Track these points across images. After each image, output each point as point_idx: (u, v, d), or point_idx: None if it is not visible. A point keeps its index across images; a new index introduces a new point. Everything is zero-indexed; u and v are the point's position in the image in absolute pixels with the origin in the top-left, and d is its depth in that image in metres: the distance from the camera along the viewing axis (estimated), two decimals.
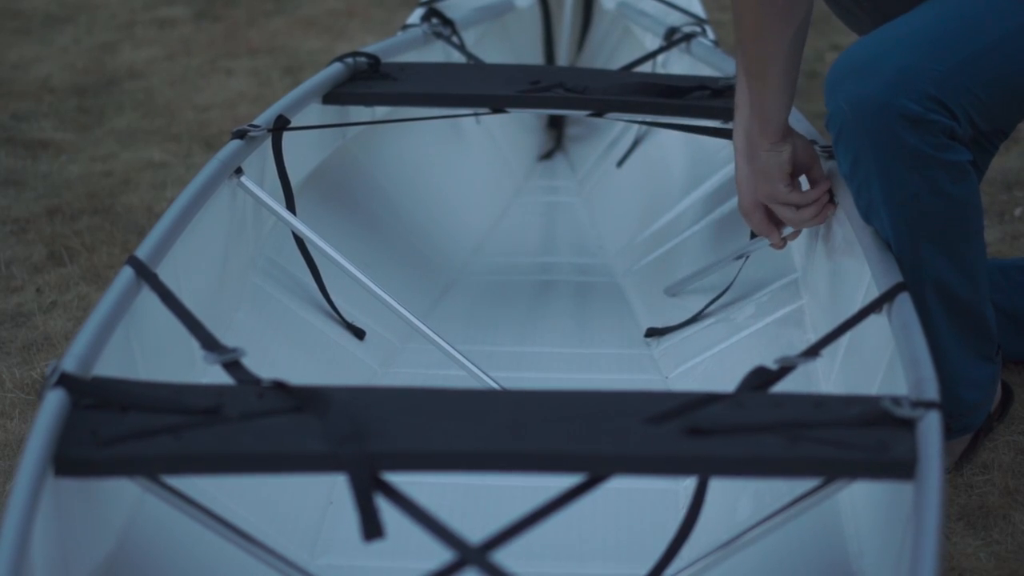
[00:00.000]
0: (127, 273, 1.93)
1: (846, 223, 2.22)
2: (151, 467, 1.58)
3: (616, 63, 3.59)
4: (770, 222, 2.28)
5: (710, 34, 3.24)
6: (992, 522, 2.20)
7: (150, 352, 1.94)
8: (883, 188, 2.07)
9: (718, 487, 1.94)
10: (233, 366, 1.80)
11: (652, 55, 3.24)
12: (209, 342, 1.85)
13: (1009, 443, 2.39)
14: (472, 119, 3.41)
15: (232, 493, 1.95)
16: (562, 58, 3.89)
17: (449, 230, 3.15)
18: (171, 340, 1.97)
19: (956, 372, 2.18)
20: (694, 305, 2.68)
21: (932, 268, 2.11)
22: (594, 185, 3.45)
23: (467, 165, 3.38)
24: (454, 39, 3.28)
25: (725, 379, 2.19)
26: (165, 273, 1.99)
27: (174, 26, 5.15)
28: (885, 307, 1.94)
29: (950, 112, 2.03)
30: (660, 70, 3.24)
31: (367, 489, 1.52)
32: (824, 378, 2.20)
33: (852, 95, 2.04)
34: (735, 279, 2.62)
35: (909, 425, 1.61)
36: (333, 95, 2.74)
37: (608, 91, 2.73)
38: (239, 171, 2.37)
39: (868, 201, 2.10)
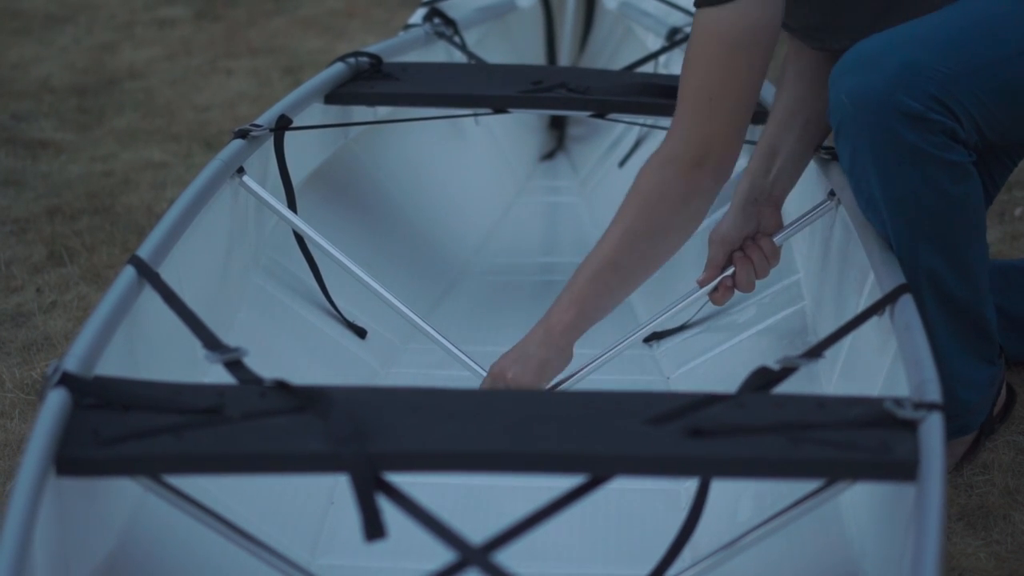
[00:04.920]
0: (129, 272, 1.93)
1: (848, 224, 2.22)
2: (153, 467, 1.58)
3: (618, 63, 3.59)
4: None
5: None
6: (992, 522, 2.20)
7: (152, 351, 1.94)
8: (881, 183, 2.07)
9: (720, 488, 1.94)
10: (235, 365, 1.80)
11: (654, 55, 3.24)
12: (211, 341, 1.85)
13: (1009, 443, 2.39)
14: (474, 119, 3.41)
15: (234, 493, 1.95)
16: (564, 58, 3.89)
17: (451, 230, 3.15)
18: (173, 339, 1.96)
19: (952, 371, 2.18)
20: (695, 306, 2.67)
21: (929, 266, 2.11)
22: (596, 185, 3.45)
23: (469, 165, 3.38)
24: (456, 39, 3.28)
25: (727, 380, 2.19)
26: (167, 272, 1.99)
27: (174, 26, 5.15)
28: (887, 308, 1.93)
29: (952, 114, 2.02)
30: (662, 70, 3.24)
31: (369, 489, 1.52)
32: (826, 379, 2.20)
33: (853, 88, 2.04)
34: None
35: (911, 427, 1.61)
36: (335, 95, 2.74)
37: (610, 92, 2.73)
38: (241, 170, 2.37)
39: (868, 196, 2.10)
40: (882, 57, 2.03)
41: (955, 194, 2.07)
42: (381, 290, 2.45)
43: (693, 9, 3.45)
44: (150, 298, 1.94)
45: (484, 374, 2.37)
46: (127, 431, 1.59)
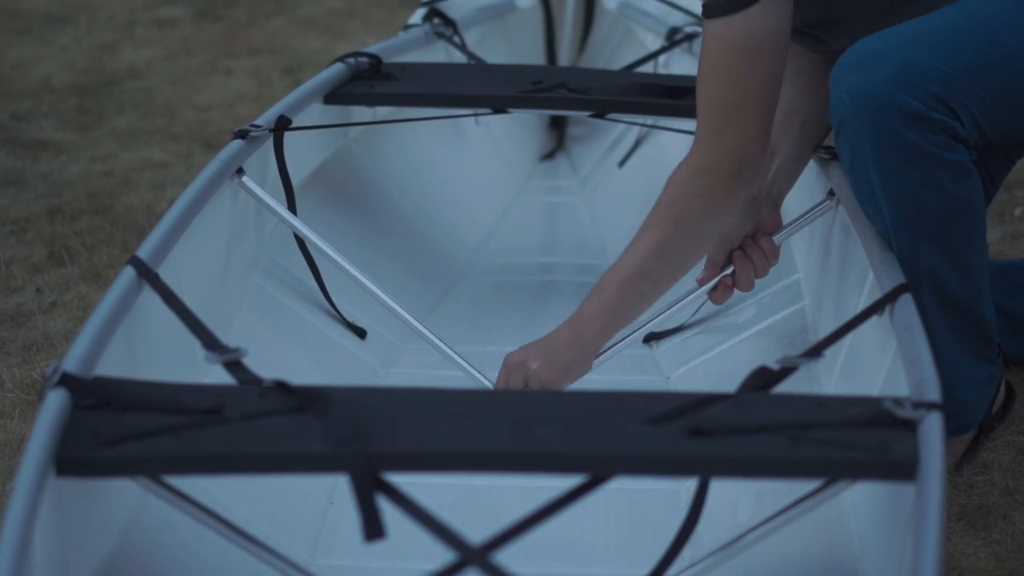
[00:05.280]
0: (128, 273, 1.93)
1: (848, 224, 2.22)
2: (152, 467, 1.58)
3: (618, 63, 3.59)
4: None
5: None
6: (992, 522, 2.20)
7: (151, 352, 1.94)
8: (882, 182, 2.07)
9: (719, 488, 1.94)
10: (234, 366, 1.80)
11: (654, 55, 3.24)
12: (210, 342, 1.85)
13: (1009, 443, 2.39)
14: (474, 119, 3.41)
15: (233, 493, 1.95)
16: (564, 58, 3.89)
17: (451, 230, 3.15)
18: (172, 340, 1.96)
19: (952, 371, 2.18)
20: (695, 305, 2.67)
21: (929, 265, 2.11)
22: (596, 185, 3.45)
23: (469, 165, 3.38)
24: (456, 39, 3.28)
25: (726, 379, 2.19)
26: (166, 273, 1.99)
27: (174, 26, 5.15)
28: (887, 308, 1.93)
29: (953, 113, 2.02)
30: (662, 70, 3.24)
31: (368, 489, 1.52)
32: (826, 379, 2.20)
33: (854, 87, 2.04)
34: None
35: (910, 426, 1.61)
36: (335, 95, 2.74)
37: (610, 92, 2.73)
38: (240, 171, 2.37)
39: (868, 195, 2.10)
40: (883, 56, 2.03)
41: (956, 193, 2.07)
42: (379, 292, 2.45)
43: (692, 9, 3.46)
44: (150, 298, 1.94)
45: (480, 376, 2.37)
46: (127, 432, 1.59)
